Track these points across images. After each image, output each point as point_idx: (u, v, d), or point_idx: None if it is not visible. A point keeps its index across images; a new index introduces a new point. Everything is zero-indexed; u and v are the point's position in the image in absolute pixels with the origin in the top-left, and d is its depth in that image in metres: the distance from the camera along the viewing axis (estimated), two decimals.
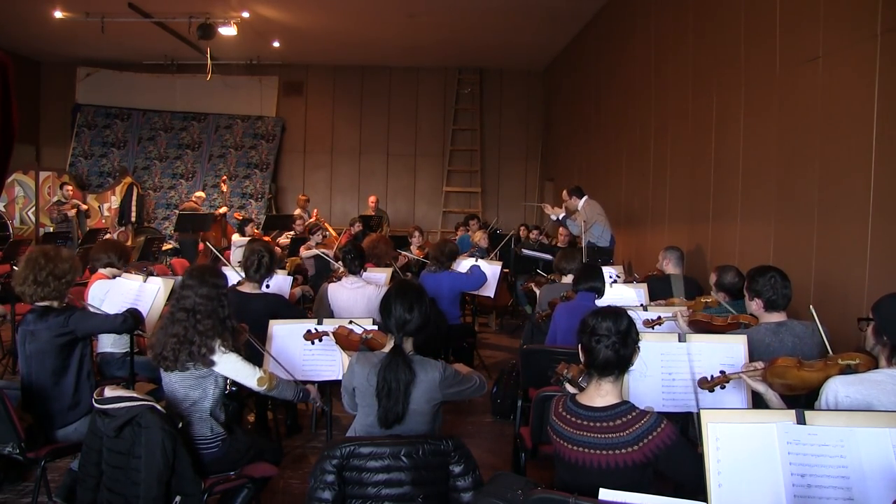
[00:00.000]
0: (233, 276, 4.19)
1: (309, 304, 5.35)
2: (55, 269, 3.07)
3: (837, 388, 2.09)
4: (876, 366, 2.19)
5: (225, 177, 12.15)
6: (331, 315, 4.40)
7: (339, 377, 3.35)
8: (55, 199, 10.82)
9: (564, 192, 7.08)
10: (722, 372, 2.53)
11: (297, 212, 10.48)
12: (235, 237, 8.43)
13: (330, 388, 3.76)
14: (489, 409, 4.75)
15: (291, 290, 4.91)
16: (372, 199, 11.17)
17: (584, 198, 6.84)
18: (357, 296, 4.44)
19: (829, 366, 2.27)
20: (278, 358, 3.54)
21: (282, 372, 3.24)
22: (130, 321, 3.20)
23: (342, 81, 13.55)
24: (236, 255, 6.29)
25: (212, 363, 2.64)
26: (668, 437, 1.98)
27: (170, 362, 2.64)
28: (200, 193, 11.20)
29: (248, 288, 3.93)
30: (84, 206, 10.49)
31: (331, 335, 3.40)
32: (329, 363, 3.55)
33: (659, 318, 3.48)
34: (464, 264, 5.83)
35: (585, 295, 3.86)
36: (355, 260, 4.54)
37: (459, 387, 2.53)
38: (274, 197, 13.38)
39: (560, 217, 6.94)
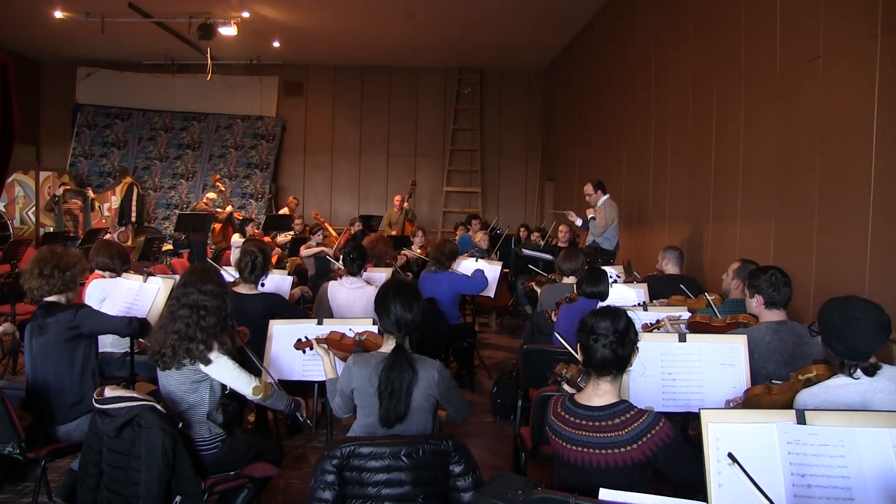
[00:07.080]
0: (229, 277, 4.20)
1: (308, 304, 5.34)
2: (60, 263, 3.15)
3: (806, 403, 2.11)
4: (834, 373, 2.18)
5: (217, 175, 11.96)
6: (331, 315, 4.38)
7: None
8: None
9: (588, 185, 6.67)
10: None
11: (288, 211, 10.41)
12: (235, 237, 8.42)
13: None
14: (489, 409, 4.76)
15: (291, 290, 4.90)
16: (398, 198, 10.91)
17: (607, 196, 6.59)
18: (356, 296, 4.43)
19: (793, 384, 2.27)
20: (278, 358, 3.54)
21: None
22: (136, 326, 3.24)
23: (342, 81, 13.54)
24: (236, 254, 6.29)
25: (208, 361, 2.63)
26: (667, 436, 1.98)
27: (168, 359, 2.62)
28: (212, 195, 11.15)
29: (244, 289, 3.92)
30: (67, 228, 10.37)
31: (323, 342, 3.31)
32: None
33: (658, 321, 3.48)
34: (464, 265, 5.82)
35: (587, 301, 3.84)
36: (356, 260, 4.50)
37: (452, 392, 2.57)
38: (274, 197, 13.37)
39: (580, 223, 6.83)
